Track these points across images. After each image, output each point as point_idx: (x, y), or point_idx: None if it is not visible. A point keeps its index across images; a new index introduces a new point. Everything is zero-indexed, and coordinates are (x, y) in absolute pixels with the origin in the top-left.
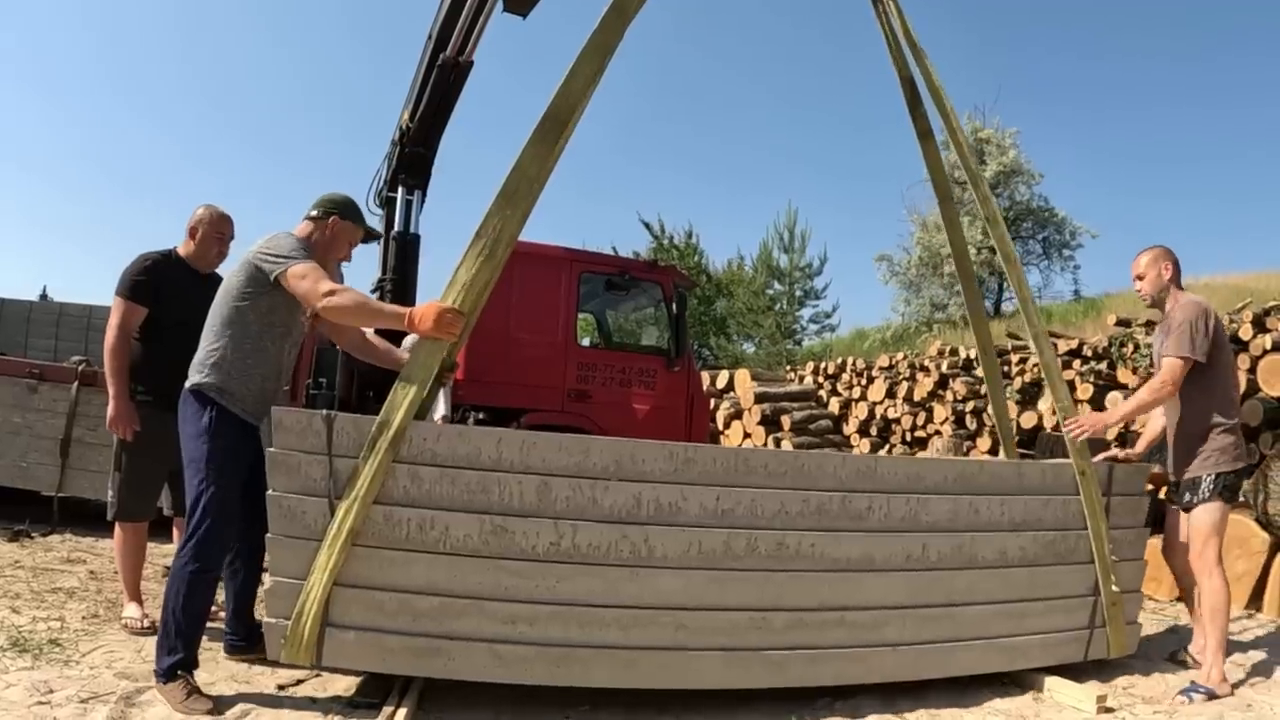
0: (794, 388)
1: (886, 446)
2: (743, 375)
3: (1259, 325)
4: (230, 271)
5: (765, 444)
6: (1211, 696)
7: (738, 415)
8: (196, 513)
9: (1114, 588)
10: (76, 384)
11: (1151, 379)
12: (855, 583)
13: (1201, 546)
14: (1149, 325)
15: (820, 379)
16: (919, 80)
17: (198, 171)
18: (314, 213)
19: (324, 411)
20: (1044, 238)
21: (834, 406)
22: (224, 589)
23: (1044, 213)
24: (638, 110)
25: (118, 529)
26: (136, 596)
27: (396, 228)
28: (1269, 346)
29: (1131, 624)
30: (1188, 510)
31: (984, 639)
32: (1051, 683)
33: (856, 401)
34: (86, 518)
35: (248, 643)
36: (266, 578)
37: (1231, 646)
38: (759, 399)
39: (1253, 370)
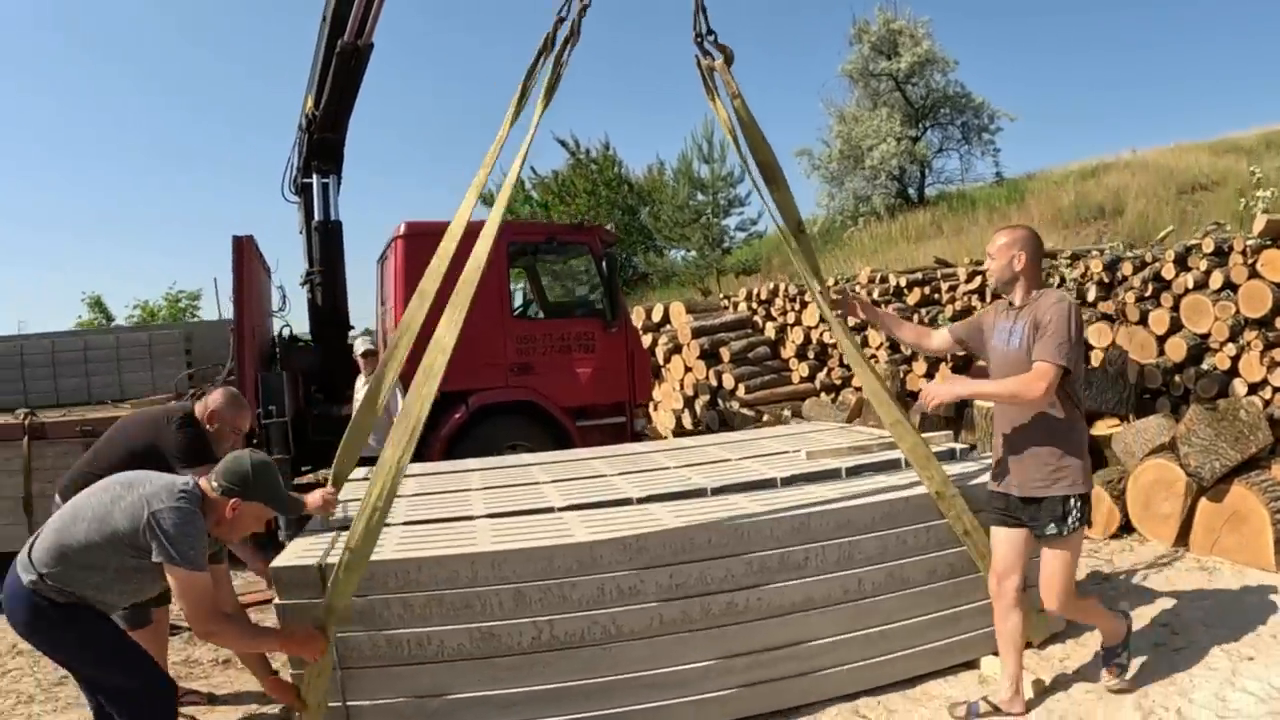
0: (729, 317)
1: (825, 369)
2: (677, 309)
3: (1181, 264)
4: (122, 504)
5: (706, 378)
6: (998, 712)
7: (677, 350)
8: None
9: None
10: (26, 439)
11: (1025, 375)
12: (801, 622)
13: (1071, 583)
14: (1074, 259)
15: (754, 304)
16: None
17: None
18: (214, 484)
19: (318, 562)
20: (963, 123)
21: (770, 331)
22: None
23: (961, 99)
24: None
25: None
26: None
27: (316, 216)
28: (1191, 286)
29: (1041, 611)
30: (1043, 537)
31: (920, 646)
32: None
33: (792, 326)
34: None
35: None
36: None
37: (1161, 588)
38: (696, 333)
39: (1175, 309)
